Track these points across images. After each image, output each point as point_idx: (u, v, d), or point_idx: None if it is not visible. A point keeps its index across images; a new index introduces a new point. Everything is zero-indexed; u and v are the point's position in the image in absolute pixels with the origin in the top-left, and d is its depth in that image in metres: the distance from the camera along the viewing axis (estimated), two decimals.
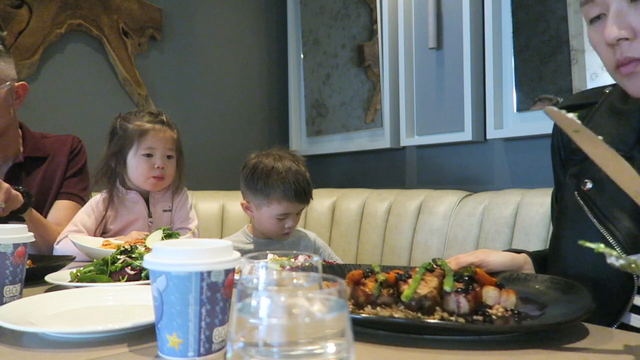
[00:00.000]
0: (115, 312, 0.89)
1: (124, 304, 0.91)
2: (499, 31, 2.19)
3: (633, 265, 0.65)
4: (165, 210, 1.79)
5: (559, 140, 1.12)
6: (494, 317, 0.75)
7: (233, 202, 2.49)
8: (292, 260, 0.83)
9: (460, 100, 2.26)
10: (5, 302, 0.89)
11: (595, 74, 1.89)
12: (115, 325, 0.74)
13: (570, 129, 0.72)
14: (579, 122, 0.71)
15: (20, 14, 2.45)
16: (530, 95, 2.08)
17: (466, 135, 2.23)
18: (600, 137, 0.70)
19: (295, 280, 0.52)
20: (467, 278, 0.79)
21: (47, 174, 1.84)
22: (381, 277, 0.80)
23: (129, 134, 1.71)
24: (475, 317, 0.75)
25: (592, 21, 0.94)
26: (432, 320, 0.73)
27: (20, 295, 0.96)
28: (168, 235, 1.39)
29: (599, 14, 0.92)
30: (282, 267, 0.69)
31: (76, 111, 2.56)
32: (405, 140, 2.52)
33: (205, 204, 2.49)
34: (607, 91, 1.07)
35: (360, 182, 2.76)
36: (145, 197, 1.77)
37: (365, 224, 2.22)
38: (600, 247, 0.67)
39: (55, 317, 0.84)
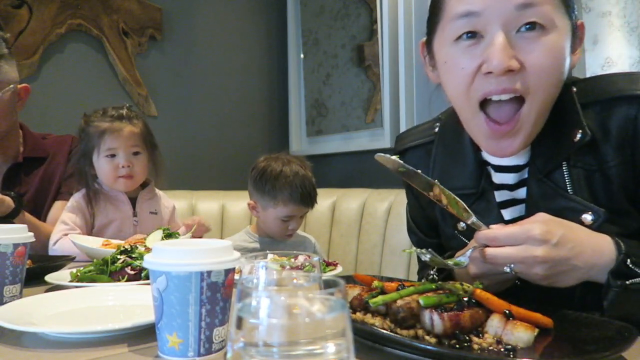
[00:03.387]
0: (115, 312, 0.89)
1: (124, 304, 0.91)
2: None
3: (436, 260, 0.80)
4: (151, 212, 1.78)
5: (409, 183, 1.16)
6: (475, 346, 0.65)
7: (233, 202, 2.49)
8: (292, 260, 0.83)
9: None
10: (5, 302, 0.89)
11: (594, 73, 1.89)
12: (115, 325, 0.74)
13: (395, 169, 0.81)
14: (401, 162, 0.82)
15: (20, 14, 2.45)
16: None
17: None
18: (419, 171, 0.81)
19: (295, 280, 0.52)
20: (466, 300, 0.71)
21: (47, 174, 1.84)
22: (377, 284, 0.79)
23: (90, 136, 1.69)
24: (453, 341, 0.66)
25: (460, 38, 0.86)
26: (374, 327, 0.68)
27: (20, 295, 0.96)
28: (168, 235, 1.40)
29: (474, 31, 0.84)
30: (282, 267, 0.69)
31: (76, 111, 2.54)
32: None
33: (205, 204, 2.49)
34: (437, 130, 1.09)
35: (360, 182, 2.76)
36: (133, 196, 1.76)
37: (365, 224, 2.22)
38: (412, 249, 0.82)
39: (55, 317, 0.84)
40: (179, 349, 0.63)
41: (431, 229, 1.12)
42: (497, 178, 0.97)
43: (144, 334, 0.74)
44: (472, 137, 0.95)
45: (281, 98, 3.27)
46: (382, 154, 0.81)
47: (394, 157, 0.80)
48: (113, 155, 1.68)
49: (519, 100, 0.85)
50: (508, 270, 0.76)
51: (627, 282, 0.74)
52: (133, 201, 1.76)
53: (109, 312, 0.88)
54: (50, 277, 1.09)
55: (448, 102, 0.98)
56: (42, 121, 2.36)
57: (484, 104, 0.87)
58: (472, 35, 0.85)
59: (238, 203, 2.44)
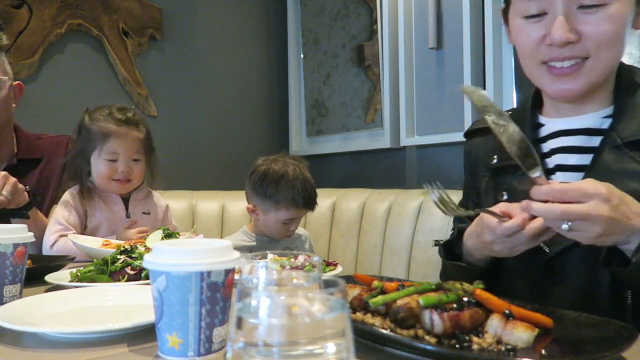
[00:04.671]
0: (115, 312, 0.89)
1: (124, 304, 0.91)
2: (499, 31, 2.18)
3: (442, 203, 0.85)
4: (144, 213, 1.77)
5: (468, 160, 1.21)
6: (475, 346, 0.65)
7: (233, 202, 2.49)
8: (292, 260, 0.83)
9: (460, 100, 2.26)
10: (5, 302, 0.89)
11: None
12: (115, 325, 0.74)
13: (480, 104, 0.85)
14: (489, 98, 0.85)
15: (20, 14, 2.45)
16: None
17: None
18: (504, 110, 0.85)
19: (295, 280, 0.52)
20: (467, 300, 0.71)
21: (43, 176, 1.81)
22: (377, 284, 0.79)
23: (93, 135, 1.66)
24: (453, 341, 0.66)
25: (529, 17, 0.97)
26: (374, 327, 0.68)
27: (20, 295, 0.95)
28: (168, 235, 1.40)
29: (540, 11, 0.95)
30: (282, 267, 0.69)
31: (76, 111, 2.52)
32: (405, 140, 2.52)
33: (205, 204, 2.49)
34: (509, 115, 1.14)
35: (360, 182, 2.76)
36: (126, 196, 1.75)
37: (365, 224, 2.22)
38: (426, 189, 0.87)
39: (55, 317, 0.84)
40: (179, 349, 0.63)
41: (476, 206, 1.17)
42: (560, 142, 1.01)
43: (144, 334, 0.74)
44: (538, 87, 1.05)
45: (281, 98, 3.27)
46: (472, 87, 0.85)
47: (483, 90, 0.84)
48: (114, 160, 1.66)
49: (581, 60, 0.94)
50: (565, 227, 0.78)
51: None
52: (125, 201, 1.74)
53: (109, 312, 0.88)
54: (50, 277, 1.09)
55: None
56: (41, 121, 2.36)
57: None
58: (539, 14, 0.96)
59: (238, 203, 2.44)
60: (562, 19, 0.91)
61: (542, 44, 0.95)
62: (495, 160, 1.09)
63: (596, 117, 0.99)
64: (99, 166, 1.67)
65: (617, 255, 0.83)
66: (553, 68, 0.96)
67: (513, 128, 0.85)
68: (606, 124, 0.98)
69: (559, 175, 0.98)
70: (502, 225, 0.85)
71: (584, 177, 0.93)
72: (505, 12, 1.07)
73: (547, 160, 1.01)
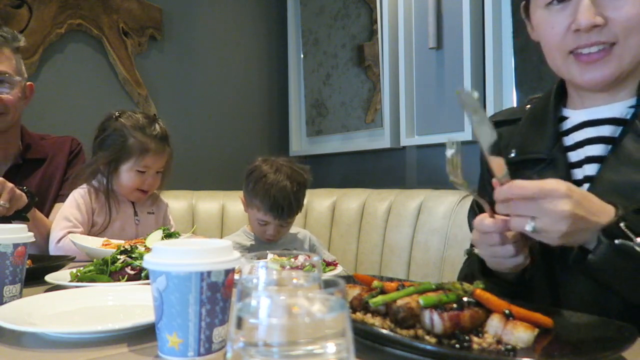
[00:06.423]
0: (115, 312, 0.89)
1: (124, 304, 0.91)
2: (499, 31, 2.19)
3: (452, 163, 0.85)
4: (149, 213, 1.82)
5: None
6: (475, 346, 0.65)
7: (233, 202, 2.49)
8: (292, 260, 0.83)
9: None
10: (5, 302, 0.89)
11: None
12: (115, 325, 0.74)
13: (469, 108, 0.81)
14: (478, 104, 0.81)
15: (20, 14, 2.45)
16: (530, 95, 2.08)
17: (466, 135, 2.23)
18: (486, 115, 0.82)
19: (295, 280, 0.52)
20: (467, 300, 0.71)
21: (46, 176, 1.83)
22: (377, 284, 0.79)
23: (129, 147, 1.68)
24: (453, 341, 0.66)
25: (550, 4, 0.96)
26: (372, 325, 0.69)
27: (20, 295, 0.95)
28: (168, 235, 1.40)
29: None
30: (282, 267, 0.69)
31: (76, 111, 2.56)
32: (405, 140, 2.52)
33: (205, 204, 2.49)
34: (528, 108, 1.15)
35: (360, 182, 2.76)
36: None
37: (365, 224, 2.22)
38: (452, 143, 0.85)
39: (55, 317, 0.84)
40: (179, 349, 0.63)
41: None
42: (587, 133, 0.99)
43: (144, 334, 0.74)
44: (567, 80, 1.03)
45: (281, 98, 3.27)
46: (465, 90, 0.81)
47: (476, 94, 0.81)
48: (143, 172, 1.71)
49: (609, 46, 0.92)
50: (529, 228, 0.76)
51: (616, 242, 0.76)
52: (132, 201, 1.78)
53: (109, 312, 0.88)
54: (50, 277, 1.09)
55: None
56: (42, 121, 2.36)
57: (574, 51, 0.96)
58: (561, 1, 0.95)
59: (238, 203, 2.43)
60: (588, 2, 0.90)
61: (568, 32, 0.94)
62: (513, 154, 1.07)
63: (623, 106, 0.97)
64: (128, 176, 1.70)
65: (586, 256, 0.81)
66: (581, 56, 0.94)
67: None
68: (631, 113, 0.96)
69: (586, 168, 0.97)
70: (482, 222, 0.84)
71: (602, 166, 0.92)
72: (527, 7, 1.07)
73: (572, 153, 1.00)
